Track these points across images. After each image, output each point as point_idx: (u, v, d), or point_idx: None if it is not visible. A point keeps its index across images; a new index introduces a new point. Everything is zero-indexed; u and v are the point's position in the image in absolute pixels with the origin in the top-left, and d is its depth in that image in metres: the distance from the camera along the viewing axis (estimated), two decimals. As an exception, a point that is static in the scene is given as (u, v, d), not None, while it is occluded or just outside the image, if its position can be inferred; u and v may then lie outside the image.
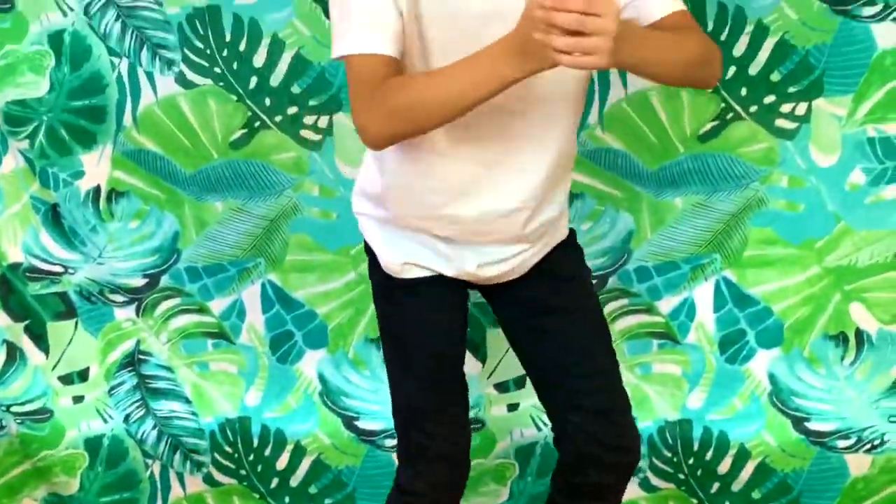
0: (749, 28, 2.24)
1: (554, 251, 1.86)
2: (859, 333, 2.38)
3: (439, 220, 1.76)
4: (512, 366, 2.28)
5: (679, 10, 1.67)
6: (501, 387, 2.46)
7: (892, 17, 2.21)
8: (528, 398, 2.42)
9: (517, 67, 1.47)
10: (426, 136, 1.63)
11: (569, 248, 1.90)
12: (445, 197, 1.74)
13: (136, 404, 2.55)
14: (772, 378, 2.41)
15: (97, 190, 2.45)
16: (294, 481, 2.53)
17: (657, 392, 2.43)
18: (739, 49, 2.25)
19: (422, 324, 1.85)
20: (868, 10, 2.21)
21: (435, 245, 1.79)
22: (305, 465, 2.51)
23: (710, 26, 2.23)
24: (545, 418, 2.16)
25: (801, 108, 2.29)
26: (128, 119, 2.40)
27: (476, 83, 1.50)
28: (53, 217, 2.47)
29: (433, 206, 1.75)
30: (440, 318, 1.86)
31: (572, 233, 1.92)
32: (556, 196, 1.79)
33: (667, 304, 2.41)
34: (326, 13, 2.27)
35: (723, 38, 2.23)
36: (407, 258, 1.81)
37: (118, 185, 2.45)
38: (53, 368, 2.54)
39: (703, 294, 2.39)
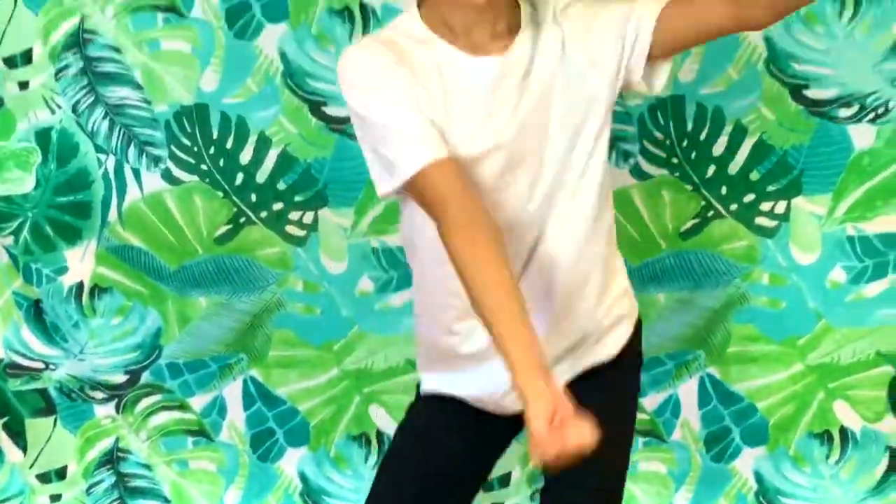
0: (728, 128, 2.28)
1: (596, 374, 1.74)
2: (844, 431, 2.38)
3: (458, 334, 1.70)
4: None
5: None
6: (486, 486, 2.44)
7: (867, 118, 2.25)
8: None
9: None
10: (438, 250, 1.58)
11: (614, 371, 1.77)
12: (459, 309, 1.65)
13: (115, 503, 2.53)
14: (757, 476, 2.40)
15: (80, 286, 2.45)
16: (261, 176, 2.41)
17: (643, 490, 2.42)
18: (719, 148, 2.29)
19: (425, 440, 1.78)
20: (844, 112, 2.25)
21: (462, 366, 1.71)
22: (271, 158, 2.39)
23: (690, 126, 2.28)
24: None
25: (781, 207, 2.32)
26: (113, 215, 2.41)
27: (497, 338, 1.47)
28: (35, 313, 2.46)
29: (450, 318, 1.69)
30: (449, 441, 1.77)
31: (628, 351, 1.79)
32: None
33: (651, 401, 2.41)
34: (312, 111, 2.31)
35: (702, 137, 2.28)
36: (434, 374, 1.77)
37: (101, 281, 2.45)
38: (31, 466, 2.51)
39: (687, 391, 2.40)
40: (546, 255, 1.64)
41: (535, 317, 1.51)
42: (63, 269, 2.45)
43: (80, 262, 2.45)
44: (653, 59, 1.61)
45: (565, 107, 1.61)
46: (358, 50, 1.67)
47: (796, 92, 2.25)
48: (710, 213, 2.32)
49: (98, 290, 2.45)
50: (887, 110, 2.24)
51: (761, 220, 2.33)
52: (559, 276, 1.65)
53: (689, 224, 2.34)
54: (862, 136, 2.27)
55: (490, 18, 1.58)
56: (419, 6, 1.62)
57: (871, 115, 2.25)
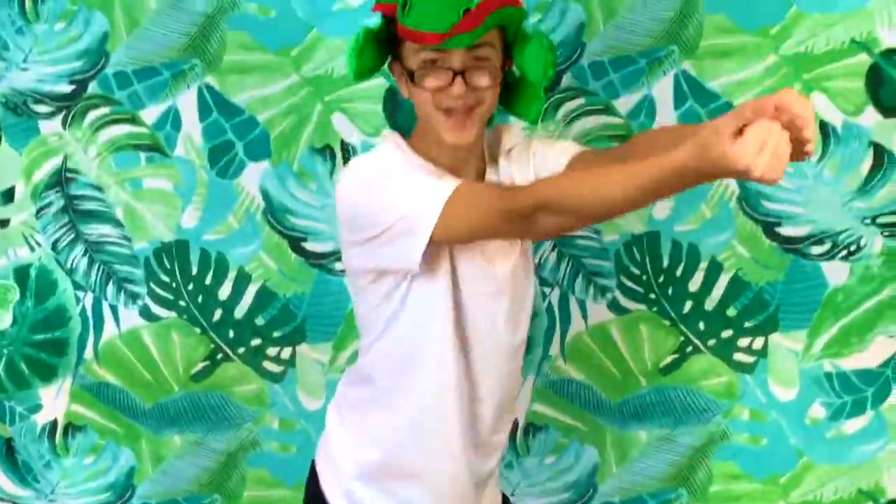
0: (703, 265, 2.30)
1: None
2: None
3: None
4: None
5: (584, 149, 1.80)
6: None
7: (840, 255, 2.29)
8: None
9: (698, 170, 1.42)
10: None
11: None
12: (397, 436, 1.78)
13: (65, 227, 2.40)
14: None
15: (54, 424, 2.42)
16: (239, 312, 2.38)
17: None
18: (695, 284, 2.31)
19: None
20: (817, 249, 2.29)
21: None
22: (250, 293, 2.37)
23: (666, 262, 2.30)
24: None
25: (759, 343, 2.33)
26: (89, 352, 2.40)
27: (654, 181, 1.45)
28: (7, 452, 2.42)
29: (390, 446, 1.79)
30: None
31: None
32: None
33: (633, 542, 2.37)
34: (292, 247, 2.33)
35: (678, 273, 2.30)
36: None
37: (75, 420, 2.42)
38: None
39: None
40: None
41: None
42: (37, 407, 2.42)
43: (55, 400, 2.42)
44: None
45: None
46: (366, 159, 1.77)
47: (769, 229, 2.28)
48: (689, 349, 2.33)
49: (72, 428, 2.42)
50: (859, 247, 2.28)
51: (740, 356, 2.33)
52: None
53: (669, 359, 2.34)
54: (835, 272, 2.30)
55: (471, 160, 1.77)
56: (407, 139, 1.77)
57: (844, 252, 2.28)
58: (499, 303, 1.76)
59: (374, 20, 1.75)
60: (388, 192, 1.66)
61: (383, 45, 1.73)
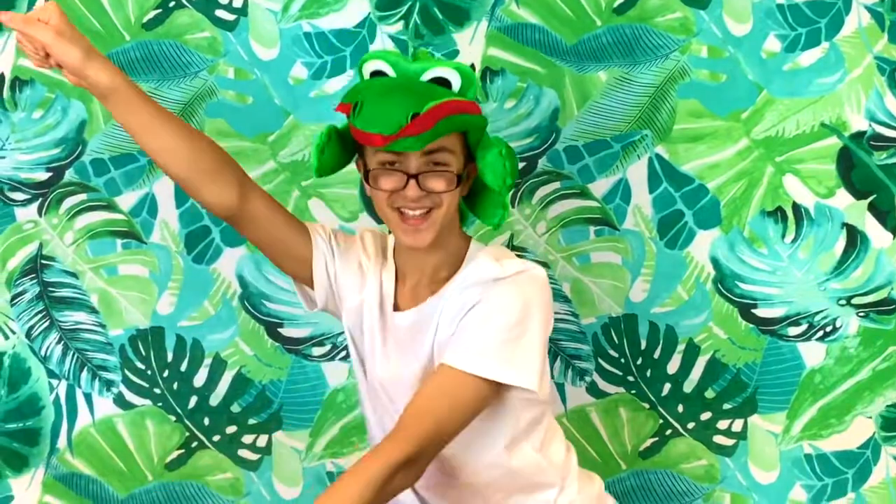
0: (681, 346, 2.30)
1: None
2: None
3: None
4: None
5: (451, 366, 1.67)
6: None
7: (816, 336, 2.29)
8: None
9: None
10: None
11: None
12: None
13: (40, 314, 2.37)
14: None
15: (25, 515, 2.39)
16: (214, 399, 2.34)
17: None
18: (673, 367, 2.31)
19: None
20: (793, 330, 2.29)
21: None
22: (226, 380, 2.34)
23: (644, 344, 2.30)
24: None
25: (738, 425, 2.32)
26: (62, 442, 2.37)
27: None
28: (-24, 546, 2.38)
29: None
30: None
31: None
32: None
33: None
34: (269, 332, 2.32)
35: (656, 355, 2.30)
36: None
37: (47, 511, 2.39)
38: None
39: None
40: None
41: None
42: (8, 499, 2.38)
43: (26, 491, 2.38)
44: None
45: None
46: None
47: (745, 311, 2.29)
48: (669, 432, 2.32)
49: (43, 520, 2.39)
50: (835, 328, 2.28)
51: (719, 439, 2.32)
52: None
53: (649, 443, 2.33)
54: (812, 353, 2.30)
55: (428, 268, 1.78)
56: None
57: (820, 333, 2.29)
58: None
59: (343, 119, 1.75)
60: None
61: (348, 144, 1.74)
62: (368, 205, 2.28)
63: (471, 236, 1.82)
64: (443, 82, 1.69)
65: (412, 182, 1.66)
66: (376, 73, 1.71)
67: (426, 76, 1.69)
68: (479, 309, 1.67)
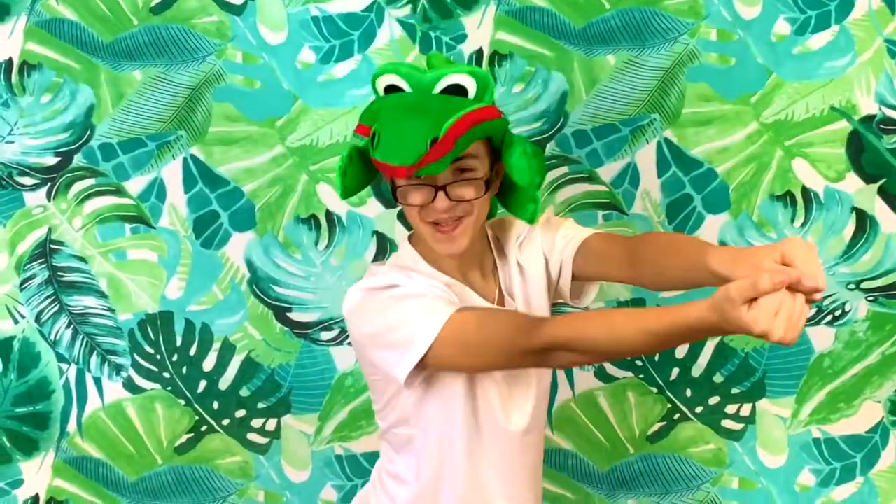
0: (690, 331, 2.30)
1: None
2: None
3: None
4: None
5: (590, 235, 1.77)
6: None
7: (825, 321, 2.29)
8: None
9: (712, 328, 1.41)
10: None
11: None
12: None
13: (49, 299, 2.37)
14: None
15: (35, 500, 2.39)
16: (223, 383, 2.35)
17: None
18: (682, 351, 2.31)
19: None
20: (802, 314, 2.29)
21: None
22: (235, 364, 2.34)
23: (652, 329, 2.29)
24: None
25: (746, 409, 2.32)
26: (72, 426, 2.38)
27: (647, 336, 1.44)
28: (-13, 528, 2.39)
29: None
30: None
31: None
32: None
33: None
34: (277, 317, 2.33)
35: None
36: None
37: (57, 495, 2.39)
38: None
39: None
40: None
41: None
42: (18, 482, 2.39)
43: (36, 475, 2.39)
44: (575, 279, 1.80)
45: None
46: (373, 282, 1.71)
47: (754, 295, 2.29)
48: (677, 416, 2.32)
49: (54, 503, 2.39)
50: (844, 313, 2.28)
51: (727, 423, 2.32)
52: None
53: (656, 427, 2.33)
54: (821, 338, 2.30)
55: (476, 261, 1.77)
56: (412, 244, 1.78)
57: (829, 318, 2.29)
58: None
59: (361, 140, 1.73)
60: (392, 309, 1.65)
61: (369, 161, 1.71)
62: (377, 190, 2.28)
63: None
64: (458, 90, 1.66)
65: (440, 194, 1.64)
66: (391, 88, 1.69)
67: (440, 86, 1.66)
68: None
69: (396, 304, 1.64)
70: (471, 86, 1.66)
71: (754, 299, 1.28)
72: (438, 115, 1.60)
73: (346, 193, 1.71)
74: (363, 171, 1.71)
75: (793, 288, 1.31)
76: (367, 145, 1.68)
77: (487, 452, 1.74)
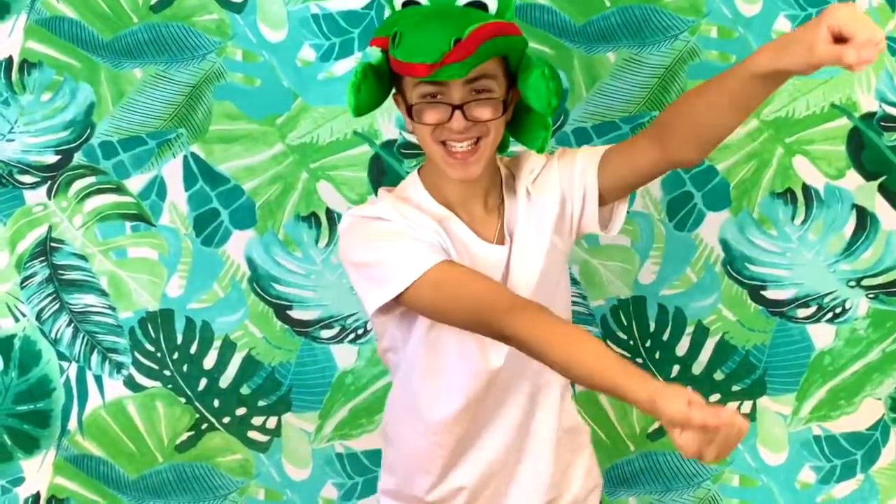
0: (689, 329, 2.30)
1: None
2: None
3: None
4: None
5: (605, 150, 1.77)
6: None
7: (826, 318, 2.29)
8: None
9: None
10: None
11: None
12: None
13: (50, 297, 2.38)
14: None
15: (36, 497, 2.39)
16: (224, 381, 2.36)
17: None
18: (682, 349, 2.31)
19: None
20: (803, 312, 2.29)
21: None
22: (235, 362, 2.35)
23: (653, 326, 2.30)
24: None
25: (747, 407, 2.32)
26: (73, 424, 2.38)
27: (600, 380, 1.46)
28: (-13, 526, 2.39)
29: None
30: None
31: None
32: None
33: None
34: (278, 315, 2.33)
35: (665, 337, 2.30)
36: None
37: (58, 492, 2.39)
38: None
39: None
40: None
41: None
42: (19, 480, 2.39)
43: (37, 473, 2.39)
44: (604, 203, 1.78)
45: (543, 265, 1.75)
46: (365, 210, 1.74)
47: (755, 293, 2.29)
48: (677, 414, 2.32)
49: (55, 501, 2.39)
50: (845, 310, 2.28)
51: (727, 422, 2.32)
52: None
53: (657, 424, 2.33)
54: (822, 335, 2.30)
55: (481, 193, 1.75)
56: (419, 175, 1.77)
57: (830, 315, 2.29)
58: None
59: (375, 54, 1.70)
60: (376, 244, 1.67)
61: (384, 80, 1.69)
62: (377, 187, 2.28)
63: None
64: (479, 5, 1.65)
65: (457, 113, 1.63)
66: (408, 3, 1.67)
67: (461, 0, 1.65)
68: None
69: (381, 239, 1.66)
70: (492, 3, 1.66)
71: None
72: (462, 19, 1.60)
73: (358, 111, 1.69)
74: (377, 88, 1.69)
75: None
76: (379, 61, 1.66)
77: (470, 384, 1.75)
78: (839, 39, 1.43)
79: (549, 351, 1.48)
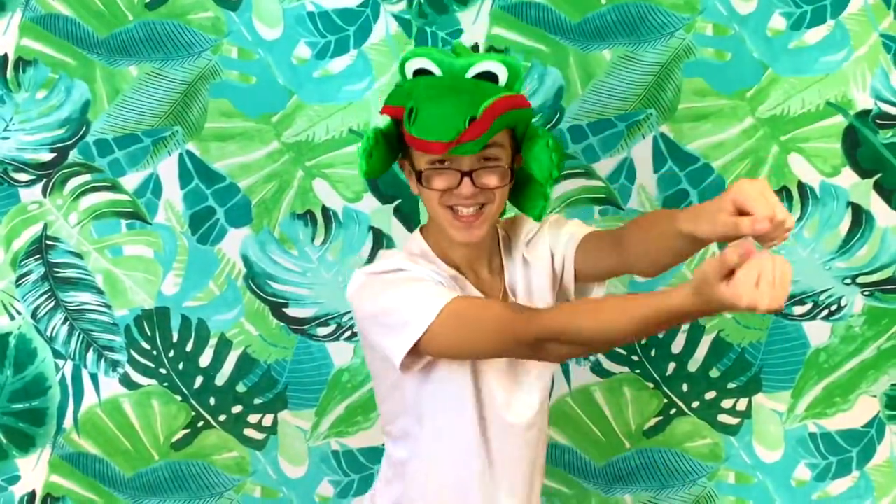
0: (685, 326, 2.31)
1: None
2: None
3: None
4: None
5: (588, 231, 1.78)
6: None
7: (821, 315, 2.30)
8: None
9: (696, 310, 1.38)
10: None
11: None
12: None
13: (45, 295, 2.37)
14: None
15: (32, 495, 2.39)
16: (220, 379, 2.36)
17: None
18: (677, 346, 2.31)
19: None
20: (798, 309, 2.30)
21: None
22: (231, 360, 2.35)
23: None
24: None
25: (742, 404, 2.32)
26: (68, 422, 2.38)
27: (642, 322, 1.43)
28: (-17, 524, 2.39)
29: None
30: None
31: None
32: None
33: None
34: (273, 313, 2.33)
35: (659, 335, 2.30)
36: None
37: (54, 490, 2.39)
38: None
39: None
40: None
41: None
42: (15, 479, 2.39)
43: (33, 471, 2.39)
44: (580, 283, 1.81)
45: None
46: (378, 266, 1.73)
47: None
48: (673, 411, 2.32)
49: (51, 499, 2.39)
50: (840, 307, 2.28)
51: (724, 418, 2.33)
52: None
53: (653, 422, 2.33)
54: (817, 333, 2.31)
55: (485, 256, 1.78)
56: (423, 236, 1.78)
57: (825, 313, 2.29)
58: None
59: (384, 119, 1.74)
60: (392, 291, 1.66)
61: (393, 145, 1.73)
62: (373, 186, 2.28)
63: None
64: (489, 76, 1.67)
65: (466, 180, 1.65)
66: (420, 72, 1.69)
67: (473, 71, 1.67)
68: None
69: (396, 286, 1.65)
70: (502, 74, 1.67)
71: (732, 272, 1.27)
72: (475, 95, 1.62)
73: (368, 176, 1.71)
74: (387, 152, 1.72)
75: (763, 238, 1.33)
76: (389, 128, 1.70)
77: (489, 445, 1.73)
78: (743, 213, 1.41)
79: (582, 324, 1.47)
